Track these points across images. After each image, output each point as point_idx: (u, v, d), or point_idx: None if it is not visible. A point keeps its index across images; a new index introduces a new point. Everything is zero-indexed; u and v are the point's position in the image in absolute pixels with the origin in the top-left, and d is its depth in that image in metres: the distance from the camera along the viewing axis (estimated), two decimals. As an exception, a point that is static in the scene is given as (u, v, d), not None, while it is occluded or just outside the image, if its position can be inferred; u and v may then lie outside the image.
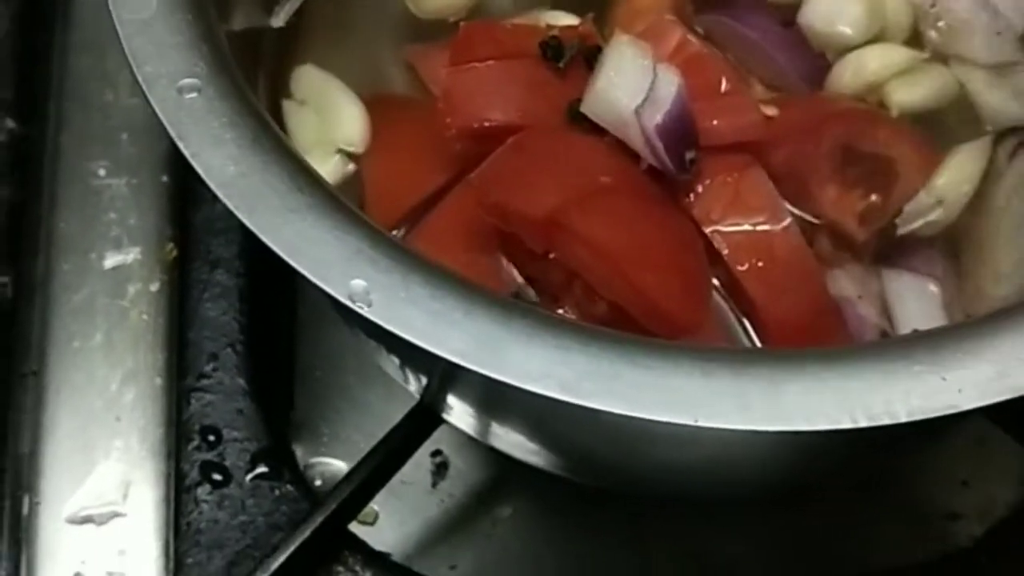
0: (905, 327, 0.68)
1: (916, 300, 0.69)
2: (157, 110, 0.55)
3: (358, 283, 0.52)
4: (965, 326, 0.54)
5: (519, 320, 0.52)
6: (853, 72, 0.74)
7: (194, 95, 0.56)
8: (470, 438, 0.81)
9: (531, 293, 0.68)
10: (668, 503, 0.81)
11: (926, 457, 0.84)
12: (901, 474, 0.84)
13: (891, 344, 0.54)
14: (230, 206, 0.53)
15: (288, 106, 0.74)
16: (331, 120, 0.73)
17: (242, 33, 0.62)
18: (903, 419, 0.50)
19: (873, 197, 0.72)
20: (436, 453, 0.84)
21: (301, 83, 0.74)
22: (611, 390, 0.51)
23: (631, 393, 0.50)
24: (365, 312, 0.52)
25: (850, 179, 0.72)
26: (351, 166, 0.73)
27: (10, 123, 0.87)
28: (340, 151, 0.72)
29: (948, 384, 0.51)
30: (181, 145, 0.54)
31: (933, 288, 0.70)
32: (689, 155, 0.67)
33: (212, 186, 0.53)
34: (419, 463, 0.83)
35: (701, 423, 0.50)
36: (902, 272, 0.70)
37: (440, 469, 0.84)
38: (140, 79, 0.55)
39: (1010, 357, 0.51)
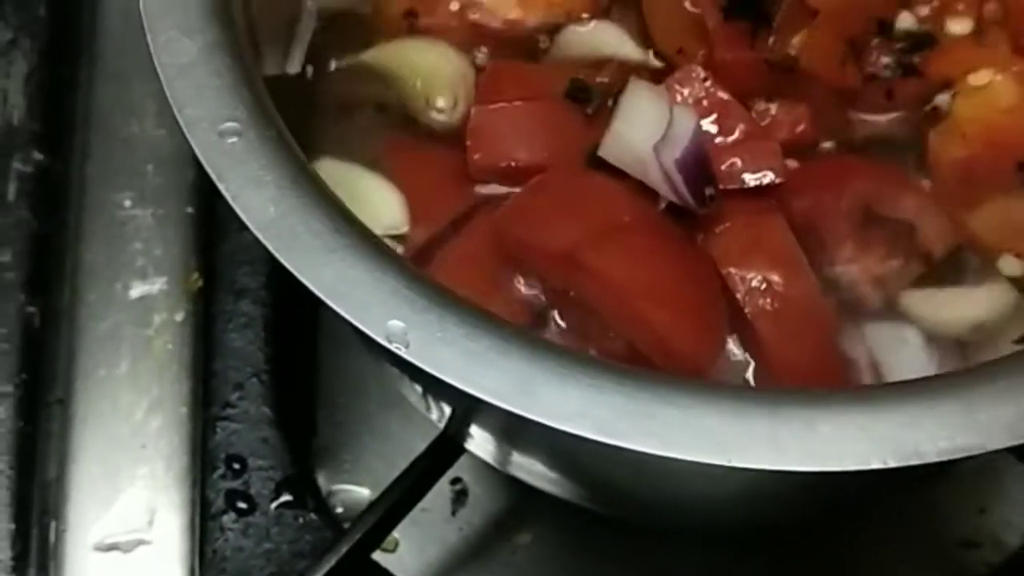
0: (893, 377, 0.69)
1: (901, 350, 0.71)
2: (198, 153, 0.56)
3: (396, 324, 0.53)
4: (988, 366, 0.55)
5: (553, 360, 0.53)
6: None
7: (234, 139, 0.57)
8: (489, 466, 0.83)
9: (555, 315, 0.69)
10: (688, 534, 0.81)
11: (943, 485, 0.85)
12: (919, 501, 0.85)
13: (918, 384, 0.55)
14: (270, 247, 0.54)
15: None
16: (369, 210, 0.71)
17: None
18: (932, 459, 0.51)
19: (893, 262, 0.73)
20: (456, 481, 0.85)
21: (326, 177, 0.73)
22: (646, 430, 0.52)
23: (665, 433, 0.51)
24: (403, 353, 0.53)
25: (870, 240, 0.72)
26: (399, 248, 0.72)
27: (37, 155, 0.88)
28: (386, 236, 0.72)
29: (976, 424, 0.52)
30: (222, 187, 0.55)
31: (913, 334, 0.71)
32: (708, 191, 0.69)
33: (252, 228, 0.54)
34: (439, 491, 0.83)
35: (735, 463, 0.51)
36: (880, 324, 0.71)
37: (460, 497, 0.85)
38: (182, 122, 0.57)
39: (1037, 396, 0.52)
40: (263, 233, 0.55)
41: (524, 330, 0.54)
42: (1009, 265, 0.73)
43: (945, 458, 0.51)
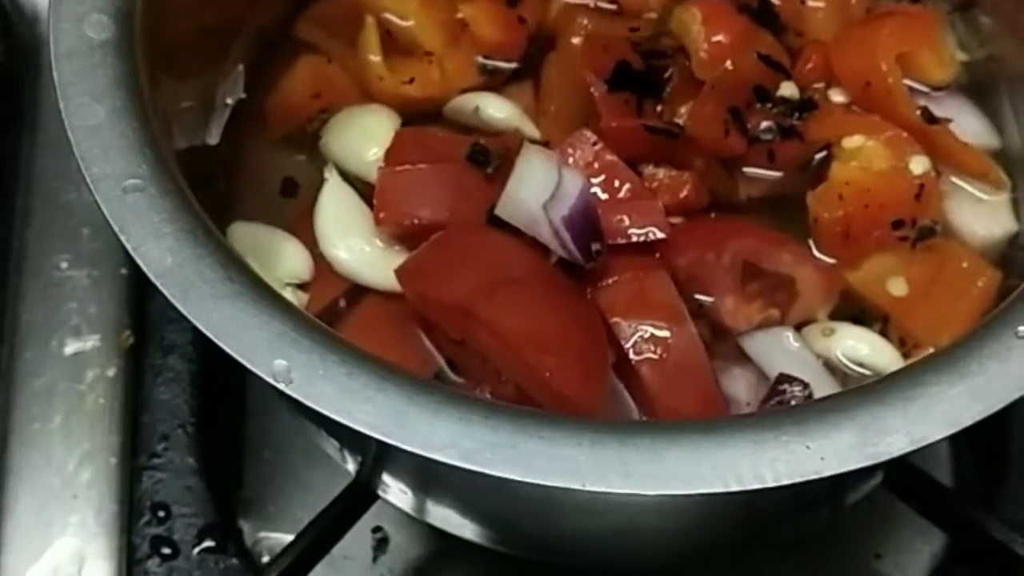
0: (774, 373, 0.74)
1: (776, 349, 0.76)
2: (103, 207, 0.61)
3: (280, 363, 0.58)
4: (829, 400, 0.60)
5: (426, 396, 0.58)
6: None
7: (137, 194, 0.61)
8: (408, 515, 0.86)
9: (450, 375, 0.74)
10: (602, 572, 0.85)
11: (841, 529, 0.89)
12: (817, 545, 0.88)
13: (762, 416, 0.60)
14: (166, 294, 0.59)
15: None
16: (273, 261, 0.77)
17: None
18: (770, 484, 0.56)
19: (771, 311, 0.78)
20: (376, 529, 0.89)
21: (235, 240, 0.77)
22: (508, 459, 0.56)
23: (525, 461, 0.56)
24: (286, 389, 0.57)
25: (750, 293, 0.77)
26: (303, 295, 0.77)
27: None
28: (288, 285, 0.77)
29: (812, 452, 0.56)
30: (123, 238, 0.60)
31: (787, 333, 0.76)
32: (595, 246, 0.73)
33: (150, 276, 0.59)
34: (360, 538, 0.87)
35: (588, 488, 0.55)
36: (754, 333, 0.76)
37: (381, 544, 0.89)
38: (88, 179, 0.61)
39: (868, 428, 0.57)
40: (161, 281, 0.59)
41: (399, 369, 0.59)
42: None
43: (783, 483, 0.56)
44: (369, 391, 0.57)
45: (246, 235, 0.77)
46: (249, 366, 0.58)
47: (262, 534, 0.89)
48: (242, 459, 0.91)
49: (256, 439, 0.92)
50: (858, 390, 0.60)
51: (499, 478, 0.61)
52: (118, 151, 0.62)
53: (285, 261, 0.77)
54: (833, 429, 0.57)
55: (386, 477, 0.79)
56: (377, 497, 0.82)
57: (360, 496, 0.82)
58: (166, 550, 0.83)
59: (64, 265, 0.93)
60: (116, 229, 0.60)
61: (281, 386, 0.57)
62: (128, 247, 0.60)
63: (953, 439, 0.87)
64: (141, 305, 0.91)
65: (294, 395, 0.57)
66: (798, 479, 0.56)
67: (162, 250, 0.60)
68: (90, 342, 0.91)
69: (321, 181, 0.81)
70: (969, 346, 0.60)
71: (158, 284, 0.59)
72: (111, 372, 0.90)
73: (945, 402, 0.58)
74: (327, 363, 0.58)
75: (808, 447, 0.56)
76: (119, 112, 0.63)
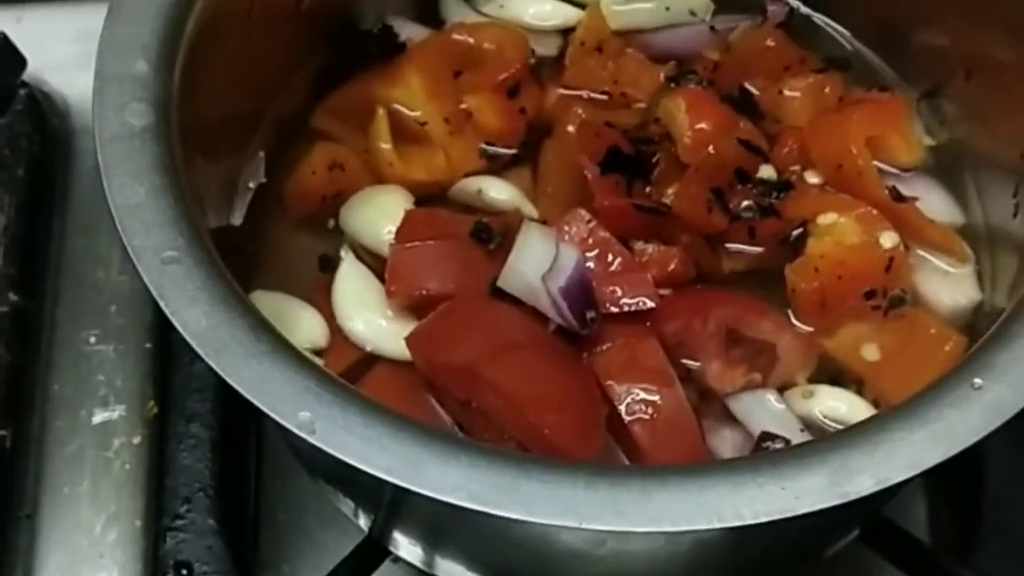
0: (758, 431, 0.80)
1: (760, 409, 0.81)
2: (144, 276, 0.67)
3: (305, 415, 0.64)
4: (802, 446, 0.66)
5: (437, 444, 0.63)
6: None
7: (174, 265, 0.68)
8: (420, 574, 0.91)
9: (459, 434, 0.79)
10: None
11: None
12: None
13: (741, 461, 0.65)
14: (201, 353, 0.65)
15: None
16: (292, 328, 0.82)
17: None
18: (749, 521, 0.61)
19: (754, 375, 0.84)
20: (386, 592, 0.93)
21: (258, 306, 0.82)
22: (512, 500, 0.62)
23: (528, 502, 0.61)
24: (310, 439, 0.63)
25: (734, 358, 0.83)
26: (319, 361, 0.83)
27: (12, 296, 0.96)
28: (305, 351, 0.81)
29: (786, 492, 0.62)
30: (163, 304, 0.66)
31: (770, 396, 0.82)
32: (590, 314, 0.79)
33: (187, 337, 0.65)
34: (373, 600, 0.92)
35: (584, 525, 0.61)
36: (740, 395, 0.82)
37: (390, 607, 0.93)
38: (131, 251, 0.68)
39: (839, 470, 0.63)
40: (196, 341, 0.65)
41: (413, 420, 0.64)
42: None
43: (761, 520, 0.61)
44: (385, 440, 0.63)
45: (267, 303, 0.83)
46: (276, 418, 0.63)
47: (277, 594, 0.94)
48: (258, 522, 0.95)
49: (271, 503, 0.96)
50: (829, 437, 0.66)
51: (502, 525, 0.67)
52: (157, 226, 0.69)
53: (303, 328, 0.83)
54: (806, 472, 0.63)
55: (397, 533, 0.84)
56: (388, 553, 0.87)
57: (371, 553, 0.87)
58: (188, 605, 0.88)
59: (92, 340, 0.99)
60: (156, 295, 0.66)
61: (305, 435, 0.63)
62: (167, 312, 0.66)
63: (931, 498, 0.94)
64: (165, 377, 0.96)
65: (318, 444, 0.63)
66: (775, 516, 0.61)
67: (197, 314, 0.66)
68: (117, 412, 0.96)
69: (334, 260, 0.87)
70: (930, 397, 0.66)
71: (194, 344, 0.65)
72: (136, 440, 0.95)
73: (908, 446, 0.63)
74: (347, 415, 0.64)
75: (783, 487, 0.62)
76: (157, 191, 0.70)
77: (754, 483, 0.62)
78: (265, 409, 0.64)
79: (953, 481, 0.95)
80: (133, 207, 0.69)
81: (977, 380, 0.66)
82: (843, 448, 0.64)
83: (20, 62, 1.05)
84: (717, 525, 0.61)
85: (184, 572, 0.89)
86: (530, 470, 0.63)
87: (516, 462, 0.63)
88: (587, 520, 0.61)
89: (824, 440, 0.65)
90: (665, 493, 0.62)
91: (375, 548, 0.86)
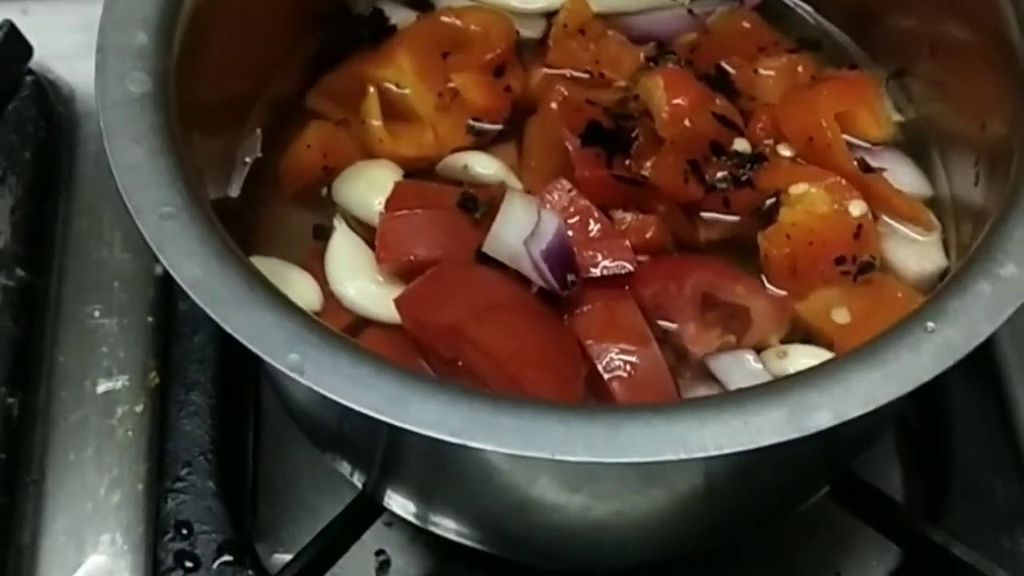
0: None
1: (737, 368, 0.85)
2: (143, 230, 0.71)
3: (294, 357, 0.67)
4: (764, 385, 0.69)
5: (419, 384, 0.67)
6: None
7: (171, 221, 0.71)
8: (411, 538, 0.94)
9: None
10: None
11: (800, 547, 0.97)
12: (778, 563, 0.96)
13: (707, 399, 0.69)
14: (198, 301, 0.69)
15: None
16: (286, 291, 0.82)
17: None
18: (712, 452, 0.65)
19: (729, 337, 0.87)
20: (379, 552, 0.96)
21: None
22: (489, 433, 0.65)
23: (503, 435, 0.65)
24: (300, 378, 0.67)
25: (709, 321, 0.87)
26: None
27: (20, 272, 1.00)
28: None
29: (748, 426, 0.66)
30: (161, 256, 0.70)
31: (748, 355, 0.85)
32: (571, 277, 0.83)
33: (183, 285, 0.69)
34: (363, 561, 0.95)
35: (557, 457, 0.65)
36: (719, 355, 0.86)
37: (383, 567, 0.96)
38: (130, 208, 0.71)
39: (799, 405, 0.66)
40: (192, 290, 0.69)
41: (397, 363, 0.68)
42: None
43: (724, 451, 0.65)
44: (371, 379, 0.67)
45: (263, 266, 0.85)
46: (268, 359, 0.67)
47: (275, 557, 0.97)
48: (257, 489, 0.99)
49: (269, 471, 0.99)
50: (789, 377, 0.69)
51: (484, 472, 0.71)
52: (155, 185, 0.72)
53: (298, 292, 0.86)
54: (767, 407, 0.66)
55: (389, 490, 0.87)
56: (381, 511, 0.90)
57: (365, 510, 0.90)
58: (189, 564, 0.91)
59: (96, 314, 1.02)
60: (154, 248, 0.70)
61: (295, 375, 0.67)
62: (165, 263, 0.70)
63: (904, 465, 0.97)
64: (166, 349, 1.00)
65: (307, 383, 0.66)
66: (737, 448, 0.65)
67: (193, 266, 0.70)
68: (120, 382, 1.00)
69: (327, 228, 0.91)
70: (886, 339, 0.69)
71: (190, 292, 0.69)
72: (139, 408, 0.99)
73: (865, 384, 0.67)
74: (335, 357, 0.67)
75: (746, 422, 0.66)
76: (155, 153, 0.73)
77: (718, 418, 0.66)
78: (257, 351, 0.67)
79: (925, 448, 0.99)
80: (133, 167, 0.73)
81: (930, 324, 0.69)
82: (803, 386, 0.67)
83: (27, 51, 1.09)
84: (683, 456, 0.65)
85: (185, 531, 0.92)
86: (506, 407, 0.66)
87: (493, 400, 0.67)
88: (559, 452, 0.65)
89: (784, 379, 0.69)
90: (633, 427, 0.65)
91: (369, 504, 0.90)
